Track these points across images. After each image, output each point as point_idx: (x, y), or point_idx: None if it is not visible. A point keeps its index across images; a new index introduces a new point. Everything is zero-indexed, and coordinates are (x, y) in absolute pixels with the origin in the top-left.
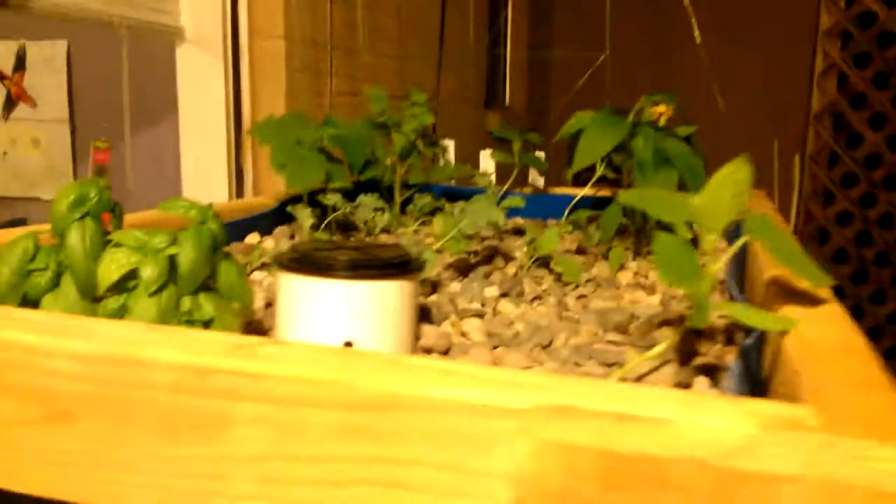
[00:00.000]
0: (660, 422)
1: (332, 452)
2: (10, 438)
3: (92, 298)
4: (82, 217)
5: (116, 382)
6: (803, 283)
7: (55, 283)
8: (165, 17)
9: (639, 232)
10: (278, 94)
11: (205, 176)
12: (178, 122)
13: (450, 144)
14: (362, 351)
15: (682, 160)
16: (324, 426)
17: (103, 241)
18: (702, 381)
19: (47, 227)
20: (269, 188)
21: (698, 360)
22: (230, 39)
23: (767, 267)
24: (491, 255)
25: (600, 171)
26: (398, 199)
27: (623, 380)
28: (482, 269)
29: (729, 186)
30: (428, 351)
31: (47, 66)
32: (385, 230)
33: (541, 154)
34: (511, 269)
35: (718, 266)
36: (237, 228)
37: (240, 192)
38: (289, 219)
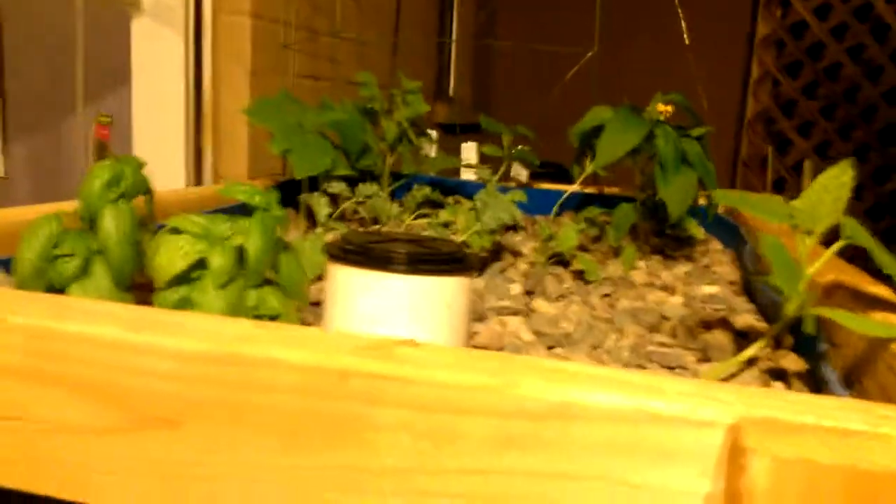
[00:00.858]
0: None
1: (487, 465)
2: (83, 447)
3: (126, 287)
4: (117, 199)
5: (230, 384)
6: (873, 290)
7: (83, 270)
8: None
9: (647, 232)
10: (243, 74)
11: (160, 158)
12: (126, 98)
13: (433, 134)
14: (519, 356)
15: (698, 160)
16: (477, 436)
17: (138, 226)
18: (778, 386)
19: (70, 205)
20: (231, 172)
21: (761, 365)
22: (192, 13)
23: (824, 271)
24: (496, 251)
25: (590, 168)
26: (387, 188)
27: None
28: (496, 265)
29: (831, 190)
30: (482, 349)
31: None
32: (376, 221)
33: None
34: (521, 265)
35: (816, 268)
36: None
37: (198, 176)
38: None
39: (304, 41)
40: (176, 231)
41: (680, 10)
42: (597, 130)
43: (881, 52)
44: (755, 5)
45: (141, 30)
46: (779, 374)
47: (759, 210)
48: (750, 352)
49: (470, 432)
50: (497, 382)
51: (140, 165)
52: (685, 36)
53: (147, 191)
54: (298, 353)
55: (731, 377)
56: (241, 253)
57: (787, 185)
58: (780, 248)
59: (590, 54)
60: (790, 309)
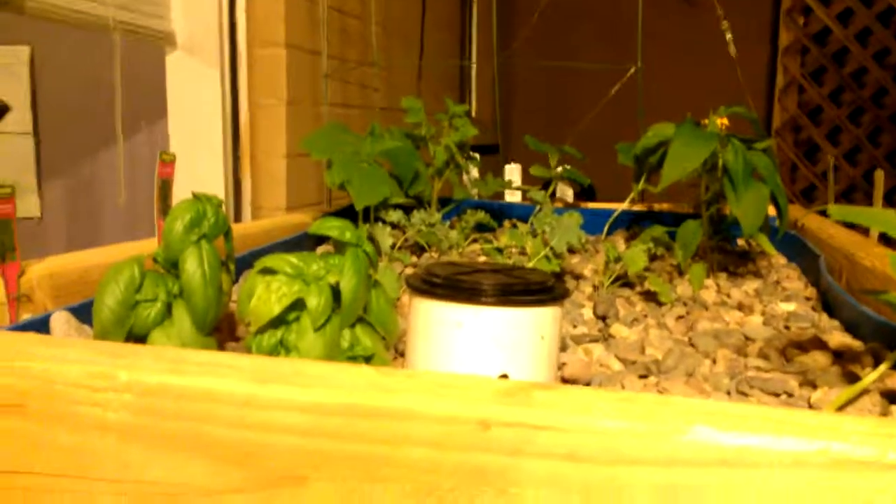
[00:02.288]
0: None
1: None
2: None
3: (207, 332)
4: (199, 240)
5: (361, 437)
6: None
7: (165, 314)
8: (157, 22)
9: (710, 249)
10: (279, 105)
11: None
12: (159, 134)
13: (478, 157)
14: (672, 398)
15: (768, 174)
16: (639, 487)
17: (220, 267)
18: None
19: (149, 246)
20: (269, 203)
21: (872, 387)
22: (227, 47)
23: None
24: (557, 274)
25: (641, 185)
26: (436, 214)
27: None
28: None
29: None
30: (572, 381)
31: (8, 73)
32: (429, 247)
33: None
34: (585, 287)
35: None
36: (280, 250)
37: (238, 208)
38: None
39: (334, 68)
40: (267, 272)
41: (725, 22)
42: (656, 148)
43: None
44: (776, 14)
45: (175, 65)
46: (893, 398)
47: (880, 225)
48: (873, 376)
49: (631, 484)
50: (663, 428)
51: (220, 204)
52: (731, 48)
53: (227, 230)
54: (435, 402)
55: (848, 404)
56: (335, 291)
57: (817, 193)
58: None
59: (633, 70)
60: None
